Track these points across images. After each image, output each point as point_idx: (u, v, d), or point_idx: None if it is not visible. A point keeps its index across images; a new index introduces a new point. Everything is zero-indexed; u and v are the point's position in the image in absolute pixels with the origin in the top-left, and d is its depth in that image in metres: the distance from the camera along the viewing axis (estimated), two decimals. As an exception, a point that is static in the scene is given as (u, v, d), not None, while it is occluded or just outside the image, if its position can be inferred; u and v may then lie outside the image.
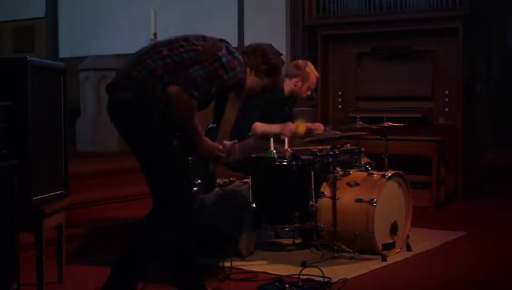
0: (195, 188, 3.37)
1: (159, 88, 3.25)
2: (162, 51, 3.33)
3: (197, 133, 3.33)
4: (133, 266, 3.38)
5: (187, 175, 3.37)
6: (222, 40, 3.48)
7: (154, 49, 3.38)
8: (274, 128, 4.89)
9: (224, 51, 3.37)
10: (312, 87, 5.33)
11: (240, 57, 3.47)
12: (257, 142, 4.16)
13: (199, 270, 3.60)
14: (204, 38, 3.46)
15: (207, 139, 3.39)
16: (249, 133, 4.15)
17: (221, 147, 3.49)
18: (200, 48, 3.36)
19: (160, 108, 3.25)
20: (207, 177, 3.49)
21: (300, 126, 4.88)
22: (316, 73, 5.28)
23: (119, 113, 3.36)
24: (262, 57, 3.61)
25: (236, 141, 3.67)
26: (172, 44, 3.38)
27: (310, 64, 5.29)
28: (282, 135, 4.82)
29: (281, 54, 7.61)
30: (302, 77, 5.19)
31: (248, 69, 3.57)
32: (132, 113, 3.30)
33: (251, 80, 3.59)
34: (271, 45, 3.75)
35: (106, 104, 3.47)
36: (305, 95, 5.31)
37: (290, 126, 4.94)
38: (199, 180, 3.38)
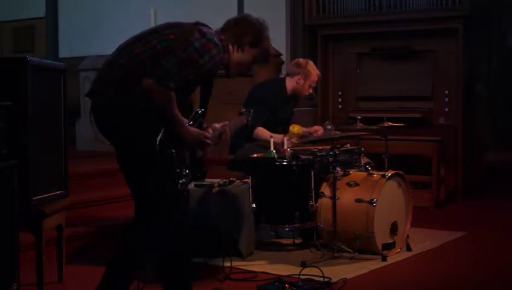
0: (182, 180, 3.28)
1: (137, 84, 3.15)
2: (135, 50, 3.24)
3: (179, 123, 3.22)
4: (129, 268, 3.35)
5: (171, 174, 3.27)
6: (197, 24, 3.35)
7: (127, 48, 3.29)
8: (274, 138, 4.87)
9: (196, 35, 3.23)
10: (314, 85, 5.36)
11: (216, 39, 3.31)
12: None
13: (189, 270, 3.55)
14: (177, 25, 3.34)
15: (191, 128, 3.30)
16: (242, 110, 4.07)
17: (211, 130, 3.41)
18: (172, 36, 3.25)
19: (138, 105, 3.15)
20: (195, 165, 3.41)
21: (296, 128, 4.88)
22: (317, 71, 5.34)
23: (99, 119, 3.30)
24: (241, 29, 3.44)
25: (227, 122, 3.58)
26: (144, 39, 3.29)
27: (311, 62, 5.35)
28: (281, 146, 4.84)
29: (281, 54, 7.67)
30: (304, 75, 5.24)
31: (230, 46, 3.41)
32: (110, 117, 3.23)
33: (236, 56, 3.43)
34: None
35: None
36: (307, 93, 5.34)
37: (288, 136, 4.97)
38: (187, 170, 3.30)
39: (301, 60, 5.41)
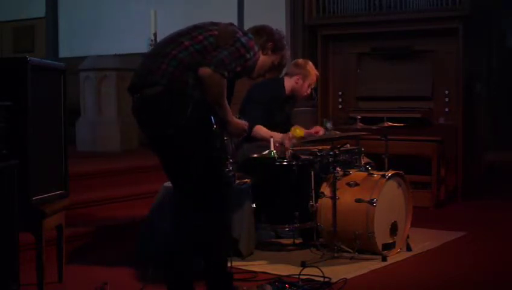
0: (230, 167, 3.43)
1: (190, 76, 3.32)
2: (184, 42, 3.40)
3: (228, 112, 3.44)
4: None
5: (226, 159, 3.45)
6: (232, 24, 3.60)
7: (175, 41, 3.44)
8: (275, 138, 4.87)
9: (240, 33, 3.49)
10: (312, 86, 5.36)
11: (253, 37, 3.58)
12: None
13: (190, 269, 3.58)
14: (215, 23, 3.55)
15: (234, 117, 3.52)
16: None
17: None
18: (216, 32, 3.45)
19: (195, 95, 3.32)
20: (233, 154, 3.58)
21: (298, 130, 4.88)
22: (316, 71, 5.34)
23: (152, 110, 3.38)
24: (266, 35, 3.75)
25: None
26: (190, 34, 3.45)
27: (309, 62, 5.36)
28: (282, 145, 4.85)
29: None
30: (303, 75, 5.24)
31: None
32: (167, 106, 3.34)
33: (261, 58, 3.69)
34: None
35: (131, 106, 3.49)
36: (305, 94, 5.34)
37: (289, 136, 4.96)
38: (231, 159, 3.45)
39: (300, 60, 5.43)
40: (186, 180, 3.45)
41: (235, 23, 9.15)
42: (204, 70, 3.30)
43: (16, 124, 3.52)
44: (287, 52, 3.87)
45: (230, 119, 3.46)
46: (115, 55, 8.25)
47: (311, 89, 5.40)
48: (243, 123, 3.57)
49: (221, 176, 3.42)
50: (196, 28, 3.50)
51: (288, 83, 5.28)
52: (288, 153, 4.76)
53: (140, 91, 3.41)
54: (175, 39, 3.45)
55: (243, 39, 3.45)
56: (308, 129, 5.39)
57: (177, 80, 3.33)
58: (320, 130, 5.27)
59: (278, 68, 3.93)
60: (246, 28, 8.67)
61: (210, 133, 3.36)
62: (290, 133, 4.94)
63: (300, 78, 5.25)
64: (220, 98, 3.36)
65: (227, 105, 3.42)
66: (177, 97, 3.32)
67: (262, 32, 3.77)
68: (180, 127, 3.33)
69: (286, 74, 5.32)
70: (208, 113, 3.36)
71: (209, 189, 3.42)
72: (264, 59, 3.74)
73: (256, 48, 3.53)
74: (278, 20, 7.96)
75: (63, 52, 9.92)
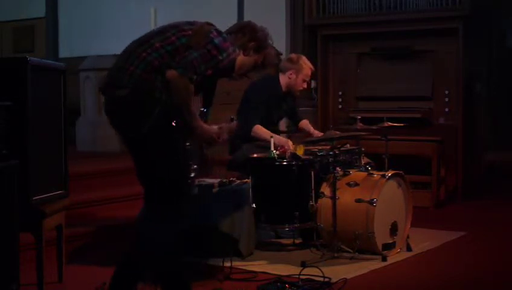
0: (192, 174, 3.36)
1: (158, 79, 3.25)
2: (154, 44, 3.32)
3: (194, 117, 3.32)
4: (138, 267, 3.35)
5: (187, 164, 3.38)
6: (209, 24, 3.47)
7: (146, 42, 3.36)
8: (275, 138, 4.86)
9: (214, 33, 3.37)
10: (307, 80, 5.33)
11: (229, 38, 3.46)
12: None
13: (185, 269, 3.54)
14: (191, 23, 3.46)
15: (203, 123, 3.38)
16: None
17: (220, 127, 3.46)
18: (190, 32, 3.36)
19: (162, 98, 3.24)
20: (203, 160, 3.49)
21: (299, 149, 4.88)
22: (310, 65, 5.32)
23: (120, 111, 3.33)
24: (249, 34, 3.60)
25: (235, 122, 3.63)
26: (162, 34, 3.37)
27: (303, 57, 5.35)
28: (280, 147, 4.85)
29: (281, 54, 7.62)
30: (296, 70, 5.24)
31: (236, 49, 3.53)
32: (134, 108, 3.28)
33: (240, 59, 3.57)
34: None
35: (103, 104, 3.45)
36: (301, 88, 5.33)
37: (290, 144, 4.95)
38: (195, 165, 3.37)
39: (293, 55, 5.45)
40: (150, 183, 3.40)
41: (235, 22, 9.15)
42: (171, 74, 3.22)
43: (16, 124, 3.52)
44: (272, 51, 3.71)
45: (196, 124, 3.32)
46: (115, 55, 8.21)
47: (307, 83, 5.39)
48: (212, 130, 3.41)
49: (180, 183, 3.31)
50: (171, 27, 3.41)
51: (283, 79, 5.28)
52: (288, 153, 4.76)
53: (110, 92, 3.35)
54: (147, 40, 3.37)
55: (217, 40, 3.33)
56: (313, 133, 5.42)
57: (144, 83, 3.25)
58: (321, 135, 5.27)
59: (262, 67, 3.77)
60: (246, 28, 8.65)
61: (174, 137, 3.28)
62: (292, 147, 4.92)
63: (294, 73, 5.24)
64: (185, 102, 3.25)
65: (193, 110, 3.31)
66: (144, 100, 3.25)
67: (245, 30, 3.63)
68: (146, 130, 3.26)
69: (280, 71, 5.32)
70: (175, 117, 3.28)
71: (165, 197, 3.31)
72: (244, 59, 3.60)
73: (231, 49, 3.41)
74: (278, 20, 7.98)
75: (63, 52, 9.92)
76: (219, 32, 3.41)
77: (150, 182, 3.39)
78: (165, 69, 3.23)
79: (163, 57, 3.28)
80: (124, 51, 3.43)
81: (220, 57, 3.33)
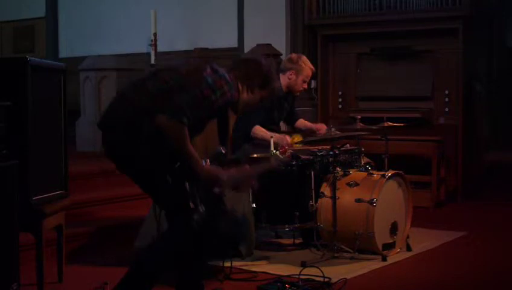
0: (195, 216, 3.24)
1: (145, 122, 3.15)
2: (147, 85, 3.27)
3: (193, 159, 3.19)
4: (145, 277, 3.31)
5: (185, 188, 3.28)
6: (207, 62, 3.41)
7: (139, 84, 3.31)
8: (275, 138, 4.86)
9: (208, 71, 3.27)
10: (307, 80, 5.31)
11: (227, 75, 3.35)
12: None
13: (200, 270, 3.56)
14: (187, 62, 3.43)
15: (207, 165, 3.27)
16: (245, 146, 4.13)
17: (234, 171, 3.35)
18: (183, 71, 3.29)
19: (152, 142, 3.16)
20: (212, 203, 3.38)
21: (296, 139, 4.88)
22: (310, 66, 5.27)
23: (113, 154, 3.34)
24: (253, 70, 3.50)
25: (255, 166, 3.56)
26: (156, 76, 3.32)
27: (303, 57, 5.31)
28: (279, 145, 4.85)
29: (281, 54, 7.65)
30: (296, 70, 5.20)
31: (240, 86, 3.44)
32: (125, 151, 3.26)
33: (246, 96, 3.48)
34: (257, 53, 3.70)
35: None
36: (301, 89, 5.30)
37: (287, 138, 4.95)
38: (203, 208, 3.26)
39: (293, 55, 5.40)
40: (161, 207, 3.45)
41: (235, 22, 9.17)
42: (159, 119, 3.11)
43: (16, 124, 3.52)
44: (277, 83, 3.64)
45: (198, 169, 3.20)
46: (115, 55, 8.24)
47: (307, 84, 5.36)
48: (214, 171, 3.26)
49: (184, 205, 3.26)
50: (167, 67, 3.38)
51: (283, 79, 5.25)
52: (288, 153, 4.76)
53: (104, 133, 3.33)
54: (141, 82, 3.32)
55: (210, 79, 3.23)
56: (313, 126, 5.42)
57: (133, 128, 3.18)
58: (323, 127, 5.27)
59: (270, 99, 3.77)
60: (246, 27, 8.71)
61: (165, 179, 3.22)
62: (289, 140, 4.92)
63: (294, 73, 5.21)
64: (180, 146, 3.14)
65: (192, 153, 3.17)
66: (133, 146, 3.20)
67: (248, 66, 3.51)
68: (139, 168, 3.26)
69: (280, 71, 5.30)
70: (166, 159, 3.21)
71: (173, 218, 3.32)
72: (249, 98, 3.49)
73: (226, 88, 3.27)
74: (278, 20, 7.97)
75: (63, 52, 9.92)
76: (214, 70, 3.30)
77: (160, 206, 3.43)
78: (156, 113, 3.13)
79: (156, 99, 3.19)
80: (120, 93, 3.39)
81: (214, 97, 3.22)
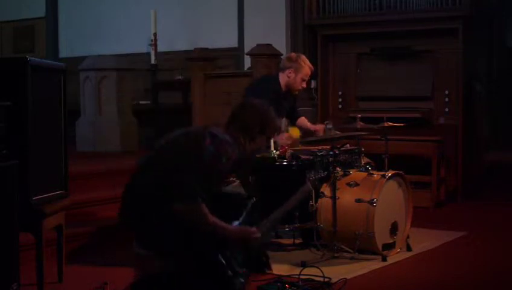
0: (240, 279, 3.26)
1: (164, 210, 3.16)
2: (155, 169, 3.27)
3: (219, 229, 3.23)
4: None
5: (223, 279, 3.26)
6: (205, 128, 3.40)
7: (148, 168, 3.32)
8: (274, 137, 4.86)
9: (208, 140, 3.26)
10: (306, 79, 5.29)
11: (227, 136, 3.35)
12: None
13: None
14: (187, 132, 3.41)
15: (232, 227, 3.30)
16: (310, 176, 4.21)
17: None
18: (184, 144, 3.31)
19: (174, 227, 3.18)
20: (253, 258, 3.44)
21: (294, 132, 4.87)
22: (309, 65, 5.24)
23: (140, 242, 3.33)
24: (250, 118, 3.48)
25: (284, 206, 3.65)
26: (160, 154, 3.34)
27: (302, 56, 5.28)
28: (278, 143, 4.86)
29: (281, 54, 7.65)
30: (295, 68, 5.17)
31: (241, 138, 3.44)
32: (151, 241, 3.26)
33: (249, 147, 3.49)
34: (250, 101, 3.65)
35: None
36: (300, 87, 5.26)
37: (285, 134, 4.97)
38: (243, 269, 3.29)
39: (293, 54, 5.38)
40: None
41: (235, 23, 9.15)
42: (178, 208, 3.13)
43: (16, 124, 3.52)
44: (276, 123, 3.61)
45: (223, 234, 3.24)
46: (115, 55, 8.25)
47: (306, 83, 5.34)
48: (242, 230, 3.33)
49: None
50: (168, 142, 3.37)
51: (282, 78, 5.23)
52: (288, 153, 4.76)
53: (127, 227, 3.37)
54: (150, 166, 3.32)
55: (212, 148, 3.23)
56: (311, 127, 5.41)
57: (152, 220, 3.19)
58: (321, 129, 5.26)
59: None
60: (246, 27, 8.71)
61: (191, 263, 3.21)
62: (287, 134, 4.93)
63: (292, 72, 5.18)
64: (205, 225, 3.17)
65: (216, 223, 3.20)
66: (158, 235, 3.20)
67: (246, 115, 3.48)
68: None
69: (280, 69, 5.29)
70: (193, 240, 3.20)
71: None
72: (254, 145, 3.51)
73: (231, 149, 3.29)
74: (278, 20, 7.98)
75: (63, 52, 9.93)
76: (213, 136, 3.29)
77: None
78: (171, 203, 3.15)
79: (166, 181, 3.18)
80: (132, 177, 3.37)
81: (221, 165, 3.25)
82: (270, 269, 4.33)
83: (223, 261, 3.22)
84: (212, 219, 3.20)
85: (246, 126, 3.45)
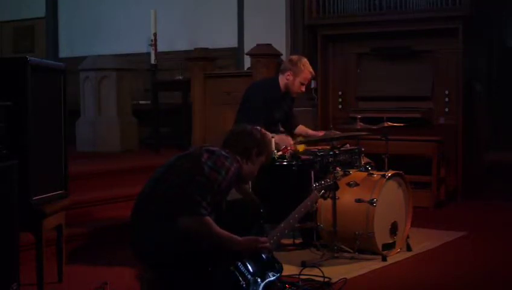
0: (254, 288, 3.29)
1: (171, 230, 3.21)
2: (158, 192, 3.33)
3: (226, 240, 3.29)
4: None
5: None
6: (201, 147, 3.49)
7: (152, 193, 3.36)
8: (276, 138, 4.85)
9: (205, 155, 3.35)
10: (306, 83, 5.24)
11: (223, 152, 3.43)
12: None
13: None
14: (185, 154, 3.48)
15: (240, 238, 3.33)
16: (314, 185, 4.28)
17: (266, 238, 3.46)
18: (184, 165, 3.37)
19: (182, 246, 3.22)
20: (267, 264, 3.45)
21: (299, 148, 4.86)
22: (310, 69, 5.18)
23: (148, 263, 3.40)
24: (248, 142, 3.56)
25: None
26: (163, 178, 3.38)
27: (304, 59, 5.20)
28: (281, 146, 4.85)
29: (281, 54, 7.64)
30: (294, 71, 5.12)
31: (239, 158, 3.50)
32: (161, 263, 3.29)
33: (247, 168, 3.55)
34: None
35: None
36: (299, 91, 5.21)
37: (290, 142, 4.95)
38: (257, 278, 3.32)
39: (294, 57, 5.30)
40: None
41: (235, 22, 9.16)
42: (184, 222, 3.19)
43: (16, 124, 3.53)
44: (272, 145, 3.67)
45: (231, 246, 3.30)
46: (115, 55, 8.25)
47: (305, 87, 5.29)
48: (251, 240, 3.38)
49: None
50: (169, 167, 3.42)
51: (282, 79, 5.20)
52: (288, 153, 4.76)
53: (135, 250, 3.39)
54: (153, 191, 3.36)
55: (210, 162, 3.32)
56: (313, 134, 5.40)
57: (160, 241, 3.24)
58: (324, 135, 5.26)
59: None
60: (246, 27, 8.70)
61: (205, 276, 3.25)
62: (293, 145, 4.91)
63: (291, 75, 5.13)
64: (209, 237, 3.23)
65: (222, 234, 3.25)
66: (167, 255, 3.25)
67: (243, 138, 3.56)
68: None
69: (280, 71, 5.26)
70: (201, 254, 3.25)
71: None
72: (251, 167, 3.58)
73: (228, 162, 3.37)
74: (278, 20, 7.98)
75: (63, 52, 9.93)
76: (211, 152, 3.38)
77: None
78: (176, 217, 3.20)
79: (172, 200, 3.25)
80: (137, 203, 3.42)
81: (220, 178, 3.31)
82: None
83: (236, 272, 3.27)
84: (218, 229, 3.25)
85: (244, 150, 3.54)
